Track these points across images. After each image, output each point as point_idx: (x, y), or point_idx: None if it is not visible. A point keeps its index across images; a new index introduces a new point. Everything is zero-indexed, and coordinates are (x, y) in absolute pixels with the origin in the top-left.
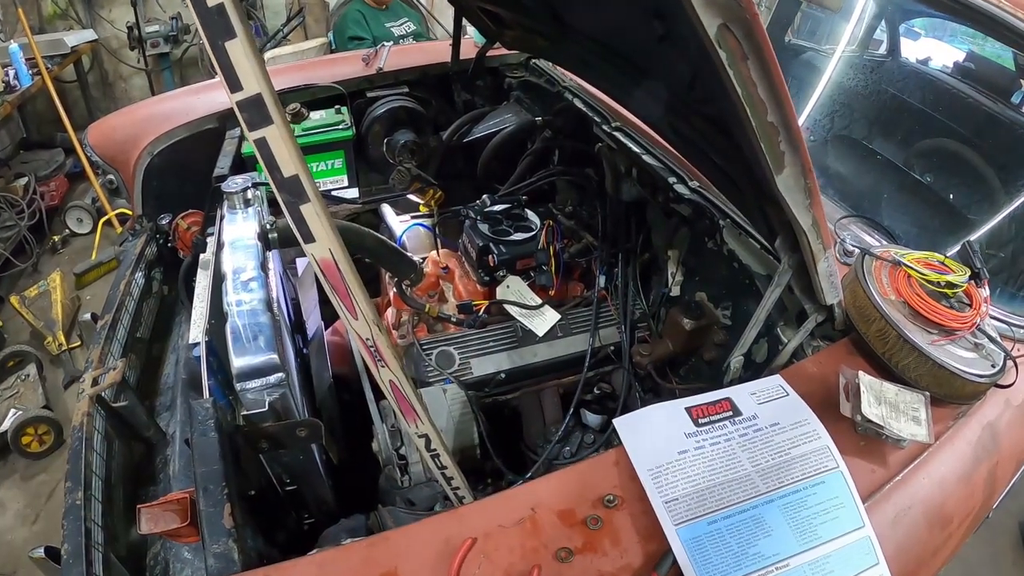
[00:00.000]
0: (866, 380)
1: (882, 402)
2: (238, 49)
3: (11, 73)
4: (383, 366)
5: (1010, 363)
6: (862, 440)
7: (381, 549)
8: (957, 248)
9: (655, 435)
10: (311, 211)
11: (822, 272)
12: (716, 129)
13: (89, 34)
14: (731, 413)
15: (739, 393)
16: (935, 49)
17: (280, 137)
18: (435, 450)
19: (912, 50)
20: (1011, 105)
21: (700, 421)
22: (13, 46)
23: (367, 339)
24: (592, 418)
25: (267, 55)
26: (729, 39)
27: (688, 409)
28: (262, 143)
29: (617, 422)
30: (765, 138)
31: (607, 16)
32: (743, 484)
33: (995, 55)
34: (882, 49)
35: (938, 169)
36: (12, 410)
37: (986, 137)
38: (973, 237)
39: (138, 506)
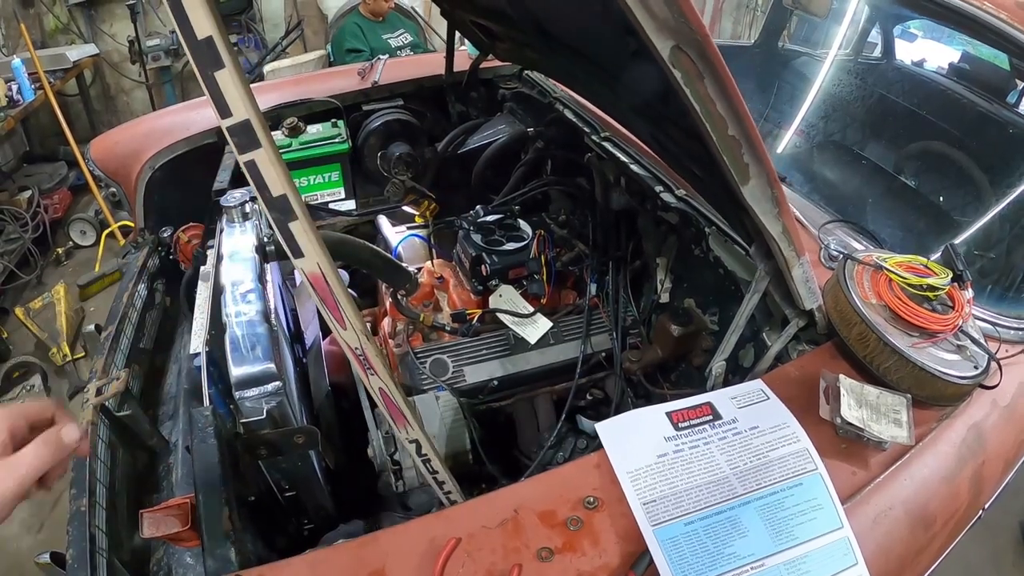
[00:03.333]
0: (847, 383)
1: (863, 405)
2: (226, 78)
3: (14, 87)
4: (372, 374)
5: (994, 365)
6: (843, 443)
7: (370, 549)
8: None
9: (635, 439)
10: (299, 228)
11: (797, 278)
12: (693, 140)
13: (91, 48)
14: (711, 417)
15: (720, 397)
16: (930, 51)
17: (268, 159)
18: (426, 455)
19: (908, 52)
20: (1006, 105)
21: (680, 425)
22: (16, 61)
23: (356, 348)
24: (587, 424)
25: (266, 68)
26: (683, 60)
27: (668, 413)
28: (251, 165)
29: (599, 426)
30: (727, 151)
31: (586, 30)
32: (720, 486)
33: (991, 56)
34: (876, 52)
35: (928, 171)
36: None
37: (977, 138)
38: (959, 239)
39: (140, 511)
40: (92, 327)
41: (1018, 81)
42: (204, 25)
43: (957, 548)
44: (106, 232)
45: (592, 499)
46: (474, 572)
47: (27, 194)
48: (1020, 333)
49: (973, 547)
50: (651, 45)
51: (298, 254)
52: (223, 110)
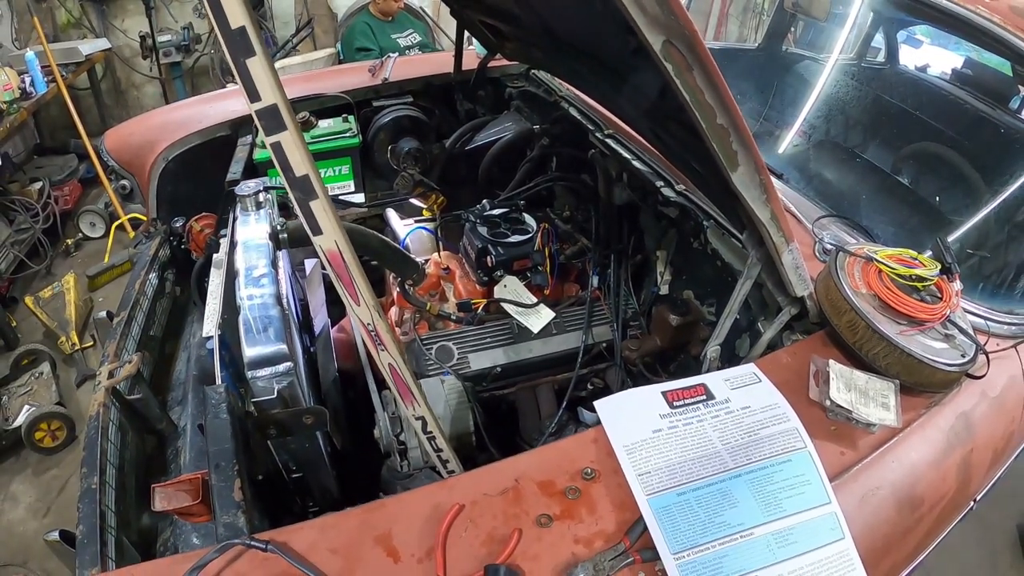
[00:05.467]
0: (836, 368)
1: (852, 388)
2: (257, 65)
3: (27, 80)
4: (383, 349)
5: (982, 355)
6: (833, 425)
7: (377, 514)
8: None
9: (632, 415)
10: (319, 207)
11: (787, 264)
12: (690, 134)
13: (103, 43)
14: (704, 397)
15: (713, 379)
16: (935, 56)
17: (293, 142)
18: (431, 432)
19: (913, 58)
20: (1008, 111)
21: (675, 404)
22: (29, 54)
23: (368, 324)
24: (588, 416)
25: (276, 65)
26: (673, 53)
27: (664, 393)
28: (277, 147)
29: (598, 404)
30: (717, 139)
31: (589, 29)
32: (712, 460)
33: (999, 64)
34: (880, 57)
35: (926, 172)
36: (26, 406)
37: (976, 141)
38: (953, 237)
39: (153, 485)
40: (103, 314)
41: (1020, 87)
42: (238, 16)
43: (954, 550)
44: (115, 224)
45: (590, 470)
46: (476, 536)
47: (38, 185)
48: (1011, 328)
49: (970, 549)
50: (645, 40)
51: (317, 231)
52: (253, 95)
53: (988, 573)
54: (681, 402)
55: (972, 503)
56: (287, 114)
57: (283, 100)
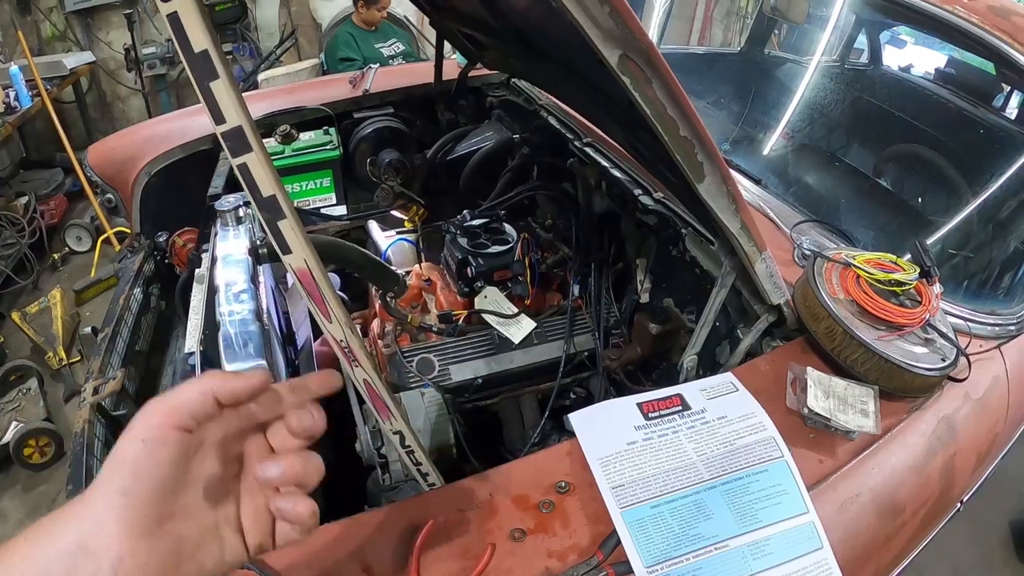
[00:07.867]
0: (814, 375)
1: (830, 396)
2: (221, 88)
3: (12, 94)
4: (357, 366)
5: (963, 358)
6: (811, 432)
7: (352, 530)
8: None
9: (607, 427)
10: (287, 226)
11: (761, 273)
12: (659, 144)
13: (87, 56)
14: (680, 408)
15: (690, 389)
16: (918, 56)
17: (259, 162)
18: (409, 446)
19: (897, 58)
20: (992, 109)
21: (650, 415)
22: (14, 68)
23: (341, 341)
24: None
25: (261, 76)
26: (631, 66)
27: (639, 404)
28: (243, 168)
29: (571, 416)
30: (680, 151)
31: (560, 41)
32: (687, 472)
33: (982, 63)
34: (863, 58)
35: (906, 173)
36: (14, 423)
37: (959, 141)
38: (934, 238)
39: None
40: (88, 329)
41: (1004, 85)
42: (200, 39)
43: (946, 548)
44: (102, 238)
45: (564, 484)
46: (450, 551)
47: (24, 200)
48: (994, 329)
49: (963, 547)
50: (601, 55)
51: (287, 250)
52: (218, 117)
53: (981, 570)
54: (656, 413)
55: (959, 504)
56: (252, 135)
57: (248, 121)
